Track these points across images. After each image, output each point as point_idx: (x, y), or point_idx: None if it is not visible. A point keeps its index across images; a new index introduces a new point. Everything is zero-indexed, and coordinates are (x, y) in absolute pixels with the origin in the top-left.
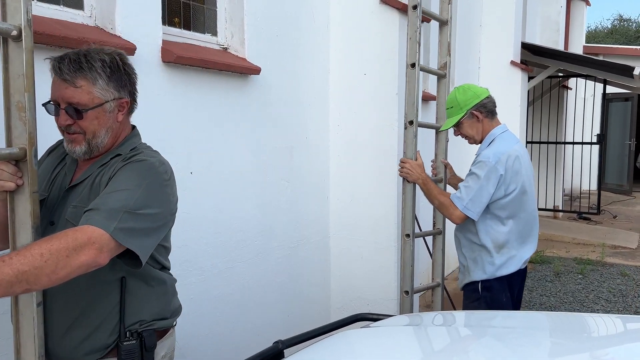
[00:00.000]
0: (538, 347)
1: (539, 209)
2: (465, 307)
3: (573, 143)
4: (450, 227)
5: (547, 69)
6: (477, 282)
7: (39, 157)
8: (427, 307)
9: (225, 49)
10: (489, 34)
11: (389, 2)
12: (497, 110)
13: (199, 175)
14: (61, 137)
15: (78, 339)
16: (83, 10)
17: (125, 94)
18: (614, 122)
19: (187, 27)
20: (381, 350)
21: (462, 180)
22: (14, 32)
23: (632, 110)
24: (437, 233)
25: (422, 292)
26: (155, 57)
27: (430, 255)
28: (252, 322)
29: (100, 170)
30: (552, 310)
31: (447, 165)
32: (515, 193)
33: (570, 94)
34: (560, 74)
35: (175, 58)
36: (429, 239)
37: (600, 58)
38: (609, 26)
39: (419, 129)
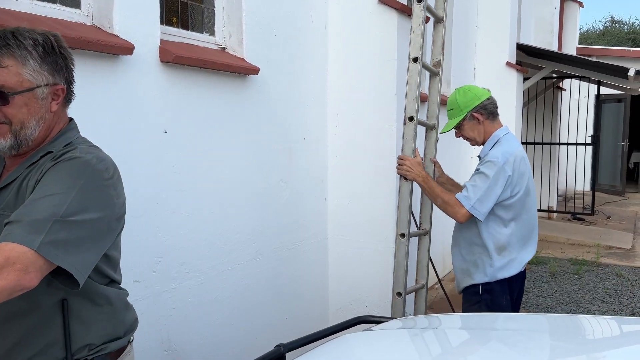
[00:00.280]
0: (541, 349)
1: None
2: (465, 310)
3: (567, 144)
4: (436, 228)
5: (542, 70)
6: (478, 284)
7: None
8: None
9: (224, 48)
10: (485, 35)
11: (388, 2)
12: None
13: (197, 176)
14: None
15: None
16: (80, 8)
17: (60, 79)
18: (606, 123)
19: (185, 26)
20: (383, 354)
21: (451, 179)
22: None
23: (625, 111)
24: (424, 234)
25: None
26: (153, 57)
27: (428, 254)
28: (251, 324)
29: (28, 172)
30: (549, 311)
31: (435, 164)
32: (520, 194)
33: (565, 95)
34: (555, 75)
35: (173, 58)
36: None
37: (594, 59)
38: (601, 28)
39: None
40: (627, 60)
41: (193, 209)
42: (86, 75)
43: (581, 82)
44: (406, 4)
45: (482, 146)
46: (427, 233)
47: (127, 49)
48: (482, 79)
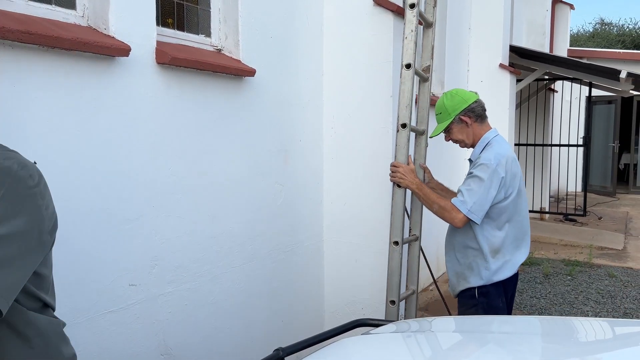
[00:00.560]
0: (542, 352)
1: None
2: (461, 314)
3: (559, 145)
4: (431, 228)
5: (534, 72)
6: (474, 288)
7: None
8: (420, 309)
9: (219, 50)
10: (478, 37)
11: (383, 4)
12: (487, 113)
13: (193, 179)
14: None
15: None
16: (75, 9)
17: None
18: (597, 124)
19: (181, 27)
20: (382, 359)
21: (440, 184)
22: None
23: (616, 112)
24: (414, 239)
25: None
26: (149, 58)
27: (424, 255)
28: (247, 327)
29: None
30: (543, 312)
31: (425, 170)
32: (513, 196)
33: (556, 96)
34: (547, 77)
35: (170, 59)
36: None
37: (584, 61)
38: (591, 30)
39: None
40: (617, 62)
41: (189, 211)
42: (82, 77)
43: (573, 83)
44: (402, 5)
45: (471, 149)
46: (418, 239)
47: (124, 50)
48: (476, 81)
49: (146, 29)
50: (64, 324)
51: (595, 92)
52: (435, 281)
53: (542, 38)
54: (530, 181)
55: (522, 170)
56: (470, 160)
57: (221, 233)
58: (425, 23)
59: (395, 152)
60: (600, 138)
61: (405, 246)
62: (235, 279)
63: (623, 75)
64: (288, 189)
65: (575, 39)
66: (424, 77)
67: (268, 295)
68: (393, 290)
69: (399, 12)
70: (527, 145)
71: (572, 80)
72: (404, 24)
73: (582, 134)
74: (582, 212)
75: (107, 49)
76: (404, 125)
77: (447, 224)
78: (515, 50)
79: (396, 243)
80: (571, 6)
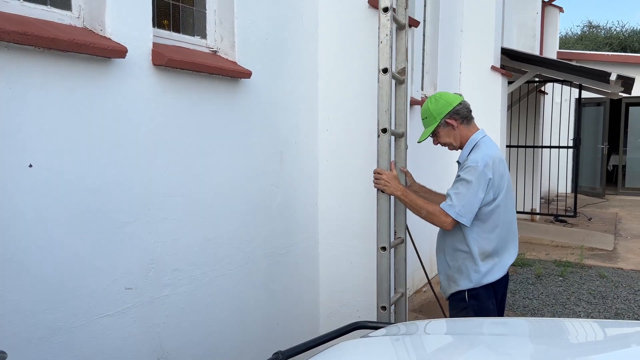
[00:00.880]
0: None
1: (517, 212)
2: (452, 317)
3: (550, 147)
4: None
5: (525, 74)
6: (464, 291)
7: None
8: (414, 311)
9: (215, 52)
10: (470, 39)
11: (378, 6)
12: (479, 115)
13: (189, 181)
14: None
15: None
16: (71, 10)
17: None
18: (586, 126)
19: (176, 29)
20: None
21: (423, 186)
22: None
23: (605, 114)
24: (400, 242)
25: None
26: (145, 60)
27: (419, 256)
28: (243, 330)
29: None
30: (535, 313)
31: (407, 174)
32: (502, 197)
33: (547, 98)
34: (537, 79)
35: (166, 61)
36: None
37: (574, 63)
38: (579, 32)
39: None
40: (606, 65)
41: (185, 214)
42: (78, 78)
43: (563, 85)
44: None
45: (460, 151)
46: (403, 241)
47: (120, 52)
48: (468, 83)
49: (142, 30)
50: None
51: (584, 94)
52: (429, 282)
53: (533, 40)
54: (521, 182)
55: (513, 172)
56: (458, 162)
57: (217, 236)
58: (398, 25)
59: (377, 158)
60: (590, 140)
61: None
62: (232, 282)
63: (613, 77)
64: (283, 191)
65: (564, 42)
66: (399, 79)
67: (264, 297)
68: (383, 296)
69: None
70: (517, 147)
71: (563, 82)
72: (378, 28)
73: (571, 135)
74: (572, 213)
75: (104, 51)
76: (384, 130)
77: (438, 228)
78: (506, 53)
79: (384, 249)
80: (560, 9)
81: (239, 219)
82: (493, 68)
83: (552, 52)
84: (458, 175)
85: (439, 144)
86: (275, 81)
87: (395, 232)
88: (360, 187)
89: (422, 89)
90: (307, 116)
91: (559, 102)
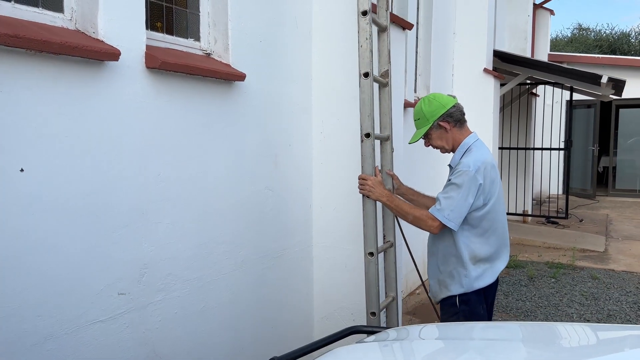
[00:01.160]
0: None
1: (509, 214)
2: (443, 322)
3: (542, 149)
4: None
5: (517, 77)
6: (455, 296)
7: None
8: (408, 313)
9: (209, 54)
10: (463, 41)
11: (372, 8)
12: (471, 117)
13: (182, 185)
14: None
15: None
16: (63, 13)
17: None
18: (577, 128)
19: (170, 31)
20: None
21: (410, 189)
22: None
23: (595, 116)
24: (389, 246)
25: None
26: (139, 62)
27: (413, 258)
28: (237, 334)
29: None
30: (529, 315)
31: (393, 177)
32: (492, 202)
33: (538, 100)
34: (528, 82)
35: (159, 64)
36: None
37: (565, 65)
38: (569, 35)
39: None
40: (596, 67)
41: (178, 218)
42: (70, 81)
43: (555, 88)
44: (391, 9)
45: (452, 154)
46: (393, 245)
47: (113, 54)
48: (460, 85)
49: (136, 32)
50: None
51: (575, 96)
52: (423, 284)
53: (524, 43)
54: (513, 184)
55: (505, 174)
56: (450, 166)
57: (211, 240)
58: (380, 28)
59: (361, 163)
60: (580, 141)
61: (400, 245)
62: (226, 286)
63: (604, 80)
64: (278, 194)
65: (554, 44)
66: (382, 82)
67: (258, 301)
68: (373, 302)
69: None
70: (509, 149)
71: (554, 84)
72: (358, 32)
73: (562, 137)
74: (564, 215)
75: (97, 53)
76: (367, 135)
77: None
78: (498, 55)
79: (371, 254)
80: (551, 12)
81: (232, 223)
82: (485, 70)
83: (543, 54)
84: (449, 180)
85: (430, 146)
86: (269, 84)
87: (384, 237)
88: (355, 190)
89: (416, 91)
90: (302, 119)
91: (550, 104)
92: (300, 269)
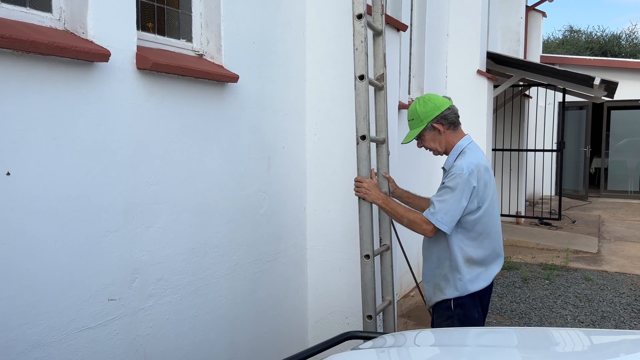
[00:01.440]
0: None
1: (503, 215)
2: (438, 326)
3: (535, 150)
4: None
5: (511, 78)
6: (450, 299)
7: None
8: (402, 316)
9: (201, 55)
10: (456, 43)
11: (367, 9)
12: (465, 119)
13: (174, 188)
14: None
15: None
16: (51, 12)
17: None
18: (569, 129)
19: (161, 32)
20: None
21: (406, 191)
22: None
23: (587, 118)
24: (385, 249)
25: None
26: (129, 63)
27: (407, 261)
28: (231, 340)
29: None
30: (523, 317)
31: (389, 180)
32: (486, 205)
33: (531, 102)
34: (521, 83)
35: (151, 65)
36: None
37: (557, 67)
38: (560, 37)
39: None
40: (588, 69)
41: (170, 222)
42: (58, 83)
43: (547, 89)
44: (385, 11)
45: (445, 156)
46: (389, 248)
47: (103, 55)
48: (454, 87)
49: (126, 33)
50: None
51: (567, 98)
52: (418, 286)
53: (517, 45)
54: (506, 186)
55: (498, 175)
56: (443, 168)
57: (204, 243)
58: (375, 32)
59: (357, 165)
60: (572, 143)
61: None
62: (218, 290)
63: (597, 82)
64: (271, 196)
65: (546, 46)
66: (378, 85)
67: (251, 305)
68: (369, 305)
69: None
70: (502, 150)
71: (547, 86)
72: (353, 35)
73: (555, 138)
74: (557, 216)
75: (86, 54)
76: (363, 137)
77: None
78: (492, 57)
79: (367, 257)
80: (543, 14)
81: (225, 226)
82: (479, 72)
83: (535, 56)
84: (443, 183)
85: (422, 147)
86: (262, 85)
87: (380, 239)
88: (349, 192)
89: (410, 93)
90: (295, 121)
91: (543, 106)
92: (294, 273)
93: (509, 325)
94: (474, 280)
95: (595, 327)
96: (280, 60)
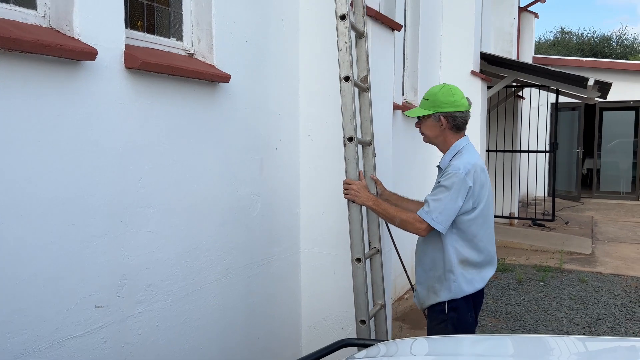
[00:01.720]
0: None
1: (496, 216)
2: (431, 329)
3: (528, 151)
4: (402, 240)
5: (504, 79)
6: (444, 302)
7: None
8: (397, 319)
9: (192, 54)
10: (450, 43)
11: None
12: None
13: (164, 191)
14: None
15: None
16: (36, 9)
17: None
18: (562, 130)
19: (151, 30)
20: None
21: (394, 194)
22: None
23: (580, 119)
24: (375, 253)
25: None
26: (117, 62)
27: (402, 262)
28: (223, 346)
29: None
30: (518, 319)
31: (377, 182)
32: (482, 207)
33: (524, 103)
34: (514, 84)
35: (139, 64)
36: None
37: (550, 68)
38: (552, 38)
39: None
40: (580, 70)
41: (160, 226)
42: (42, 83)
43: (541, 90)
44: (379, 9)
45: (438, 150)
46: (379, 251)
47: (90, 54)
48: None
49: (114, 31)
50: None
51: (560, 99)
52: (412, 287)
53: (510, 46)
54: (499, 187)
55: (492, 176)
56: (439, 167)
57: (194, 247)
58: (357, 33)
59: (345, 167)
60: (565, 144)
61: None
62: (210, 296)
63: (590, 83)
64: (264, 199)
65: (538, 47)
66: (362, 87)
67: (243, 310)
68: (362, 309)
69: (377, 18)
70: (496, 151)
71: (540, 87)
72: (337, 36)
73: (548, 139)
74: (550, 217)
75: (72, 53)
76: (350, 139)
77: (417, 238)
78: (485, 58)
79: (359, 260)
80: (536, 15)
81: (217, 229)
82: (473, 73)
83: (528, 57)
84: (438, 182)
85: (418, 128)
86: (255, 85)
87: (369, 243)
88: (342, 195)
89: (403, 94)
90: (288, 121)
91: (536, 107)
92: (288, 276)
93: (504, 329)
94: (469, 281)
95: (591, 330)
96: (273, 59)
